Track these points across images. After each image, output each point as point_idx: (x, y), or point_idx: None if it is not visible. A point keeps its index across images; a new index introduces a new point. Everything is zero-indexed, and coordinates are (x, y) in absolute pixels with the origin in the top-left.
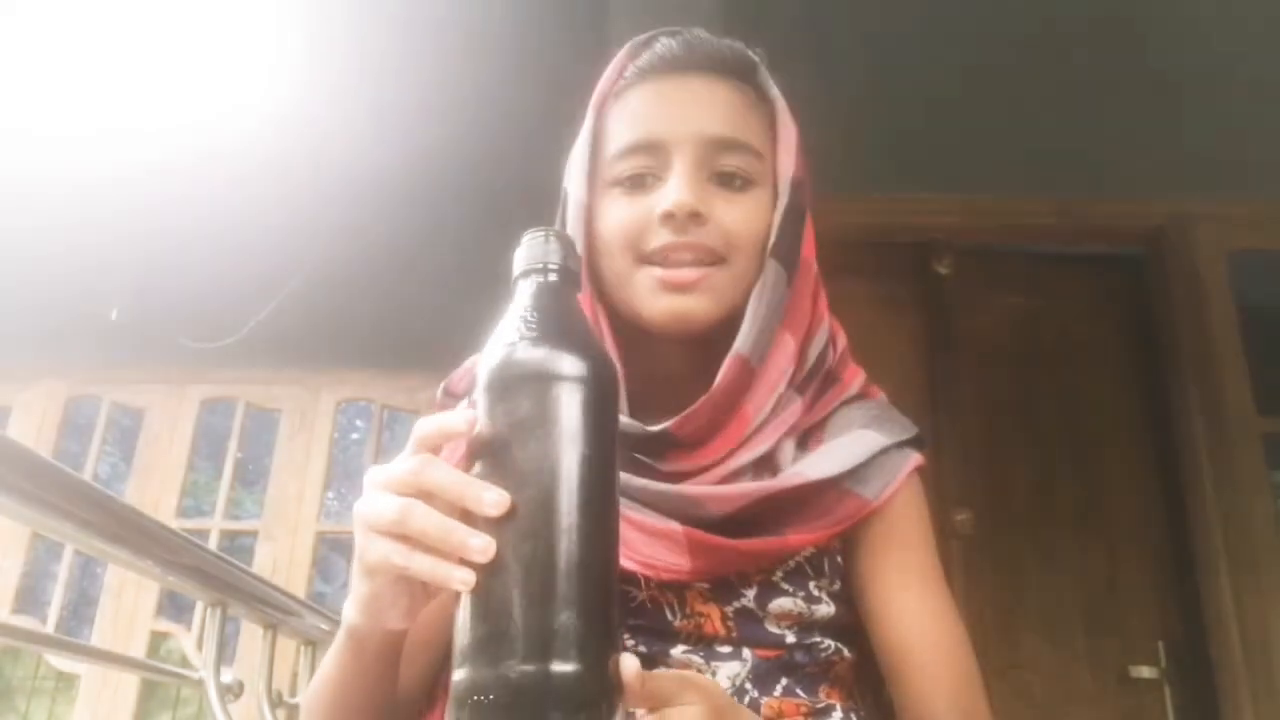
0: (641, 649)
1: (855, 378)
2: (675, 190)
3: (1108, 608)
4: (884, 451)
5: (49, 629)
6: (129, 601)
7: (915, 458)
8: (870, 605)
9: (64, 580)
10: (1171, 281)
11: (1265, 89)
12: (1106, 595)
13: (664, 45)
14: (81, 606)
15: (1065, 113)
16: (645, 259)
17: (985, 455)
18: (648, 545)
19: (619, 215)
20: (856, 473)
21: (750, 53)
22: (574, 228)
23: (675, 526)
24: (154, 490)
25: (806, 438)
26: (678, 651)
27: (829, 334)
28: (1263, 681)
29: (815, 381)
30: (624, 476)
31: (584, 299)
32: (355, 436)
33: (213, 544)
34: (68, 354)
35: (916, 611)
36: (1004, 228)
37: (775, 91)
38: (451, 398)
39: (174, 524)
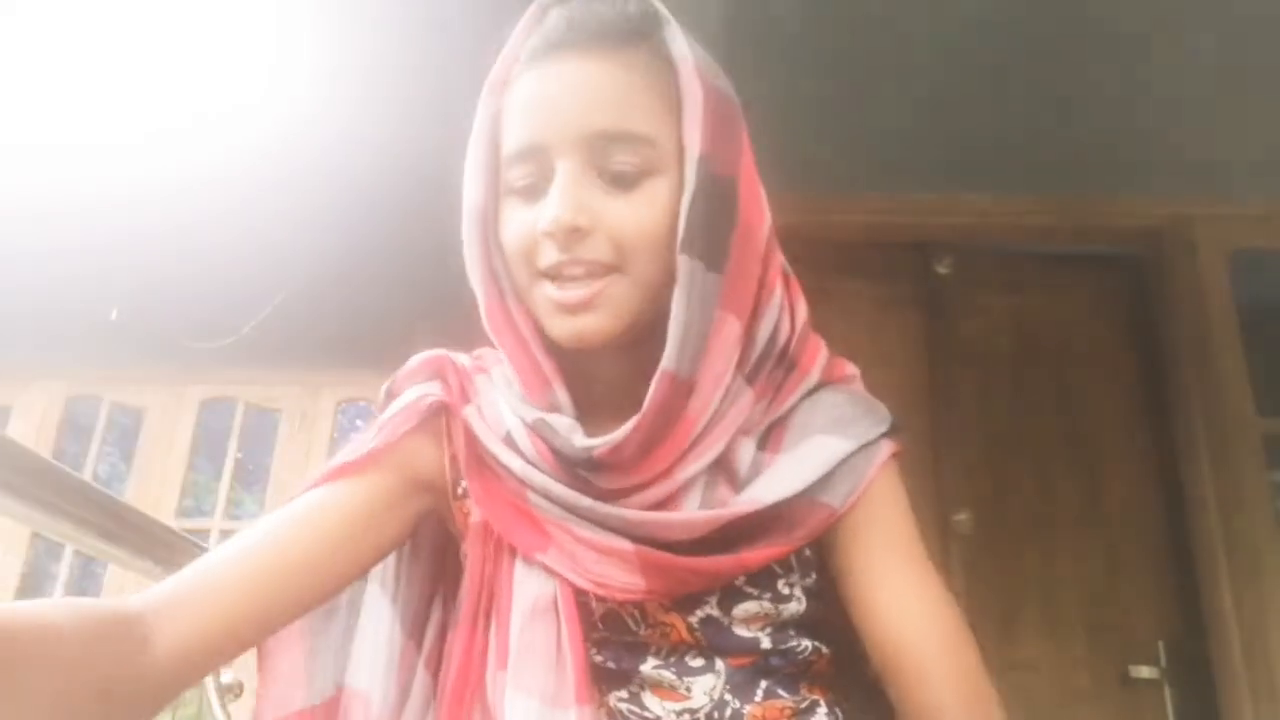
0: (610, 664)
1: (815, 360)
2: (553, 205)
3: (1108, 608)
4: (850, 456)
5: None
6: None
7: (887, 448)
8: (856, 601)
9: (64, 580)
10: (1171, 281)
11: (1265, 89)
12: (1106, 595)
13: (553, 21)
14: None
15: (1065, 112)
16: (541, 274)
17: (985, 455)
18: (598, 564)
19: (514, 228)
20: (820, 483)
21: (649, 8)
22: (468, 235)
23: (626, 545)
24: (154, 490)
25: (766, 436)
26: (648, 667)
27: (782, 304)
28: (1263, 681)
29: (768, 366)
30: (569, 494)
31: (493, 301)
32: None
33: (213, 544)
34: (68, 354)
35: (906, 602)
36: (1004, 228)
37: (680, 50)
38: (392, 398)
39: (174, 524)
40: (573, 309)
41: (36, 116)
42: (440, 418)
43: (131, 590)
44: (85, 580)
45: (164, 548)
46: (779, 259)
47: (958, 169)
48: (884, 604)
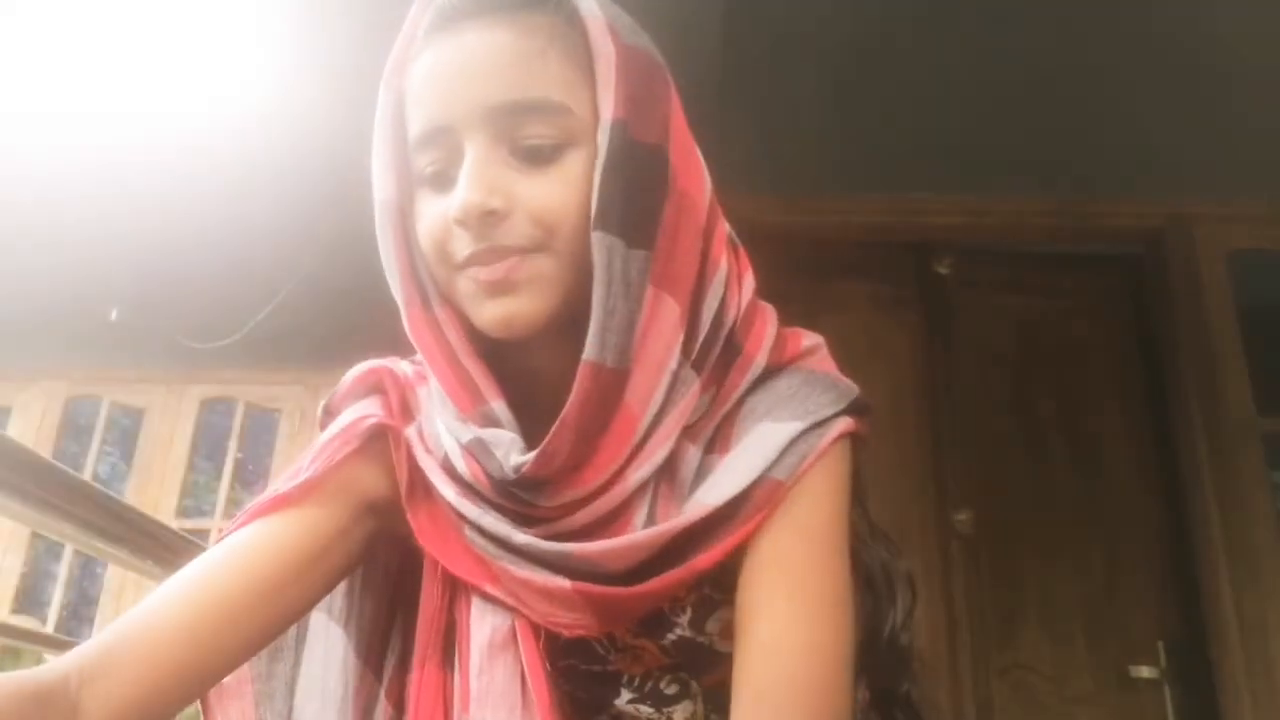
0: (581, 694)
1: (762, 342)
2: (462, 189)
3: (1108, 608)
4: (800, 435)
5: (49, 629)
6: (129, 601)
7: (840, 425)
8: (738, 604)
9: (64, 580)
10: (1171, 281)
11: (1265, 89)
12: (1106, 595)
13: None
14: (81, 606)
15: (1065, 112)
16: (460, 267)
17: (985, 455)
18: (542, 603)
19: (427, 221)
20: (769, 467)
21: None
22: (381, 233)
23: (563, 583)
24: (154, 490)
25: (714, 438)
26: (623, 701)
27: (729, 279)
28: (1263, 681)
29: (715, 351)
30: (501, 528)
31: (415, 309)
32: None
33: (212, 544)
34: (68, 354)
35: (775, 628)
36: (1004, 228)
37: (589, 7)
38: (330, 416)
39: (174, 524)
40: (499, 287)
41: (36, 116)
42: (383, 439)
43: (131, 590)
44: (85, 580)
45: (164, 548)
46: (724, 229)
47: (958, 169)
48: (752, 623)
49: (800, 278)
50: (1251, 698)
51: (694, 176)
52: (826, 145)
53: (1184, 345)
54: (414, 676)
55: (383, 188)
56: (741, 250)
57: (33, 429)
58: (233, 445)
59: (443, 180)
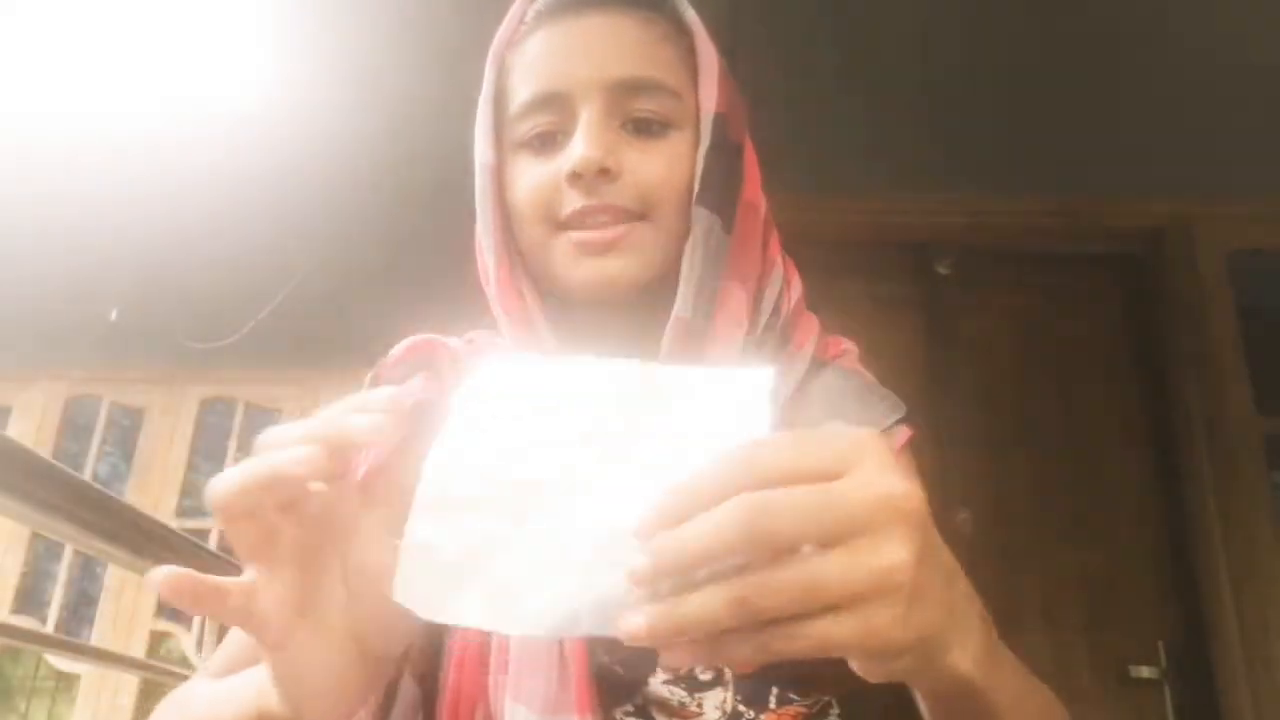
0: (618, 669)
1: (809, 337)
2: (580, 146)
3: (1108, 608)
4: None
5: (49, 629)
6: (129, 601)
7: (902, 434)
8: None
9: (64, 580)
10: (1171, 281)
11: (1265, 89)
12: (1106, 595)
13: None
14: (81, 606)
15: (1066, 112)
16: (561, 226)
17: (985, 455)
18: None
19: (529, 180)
20: None
21: None
22: (481, 195)
23: None
24: (154, 490)
25: (779, 425)
26: (656, 682)
27: (783, 280)
28: (1263, 681)
29: (771, 340)
30: None
31: (504, 271)
32: None
33: (213, 544)
34: (68, 354)
35: None
36: (1004, 228)
37: (692, 16)
38: (378, 385)
39: (174, 524)
40: (599, 248)
41: (36, 117)
42: (431, 415)
43: (131, 590)
44: (85, 580)
45: (164, 548)
46: (778, 239)
47: (958, 169)
48: None
49: (801, 277)
50: (1252, 698)
51: (757, 185)
52: (827, 145)
53: (1184, 345)
54: (450, 640)
55: (483, 152)
56: (790, 260)
57: (33, 429)
58: (233, 445)
59: (547, 142)
